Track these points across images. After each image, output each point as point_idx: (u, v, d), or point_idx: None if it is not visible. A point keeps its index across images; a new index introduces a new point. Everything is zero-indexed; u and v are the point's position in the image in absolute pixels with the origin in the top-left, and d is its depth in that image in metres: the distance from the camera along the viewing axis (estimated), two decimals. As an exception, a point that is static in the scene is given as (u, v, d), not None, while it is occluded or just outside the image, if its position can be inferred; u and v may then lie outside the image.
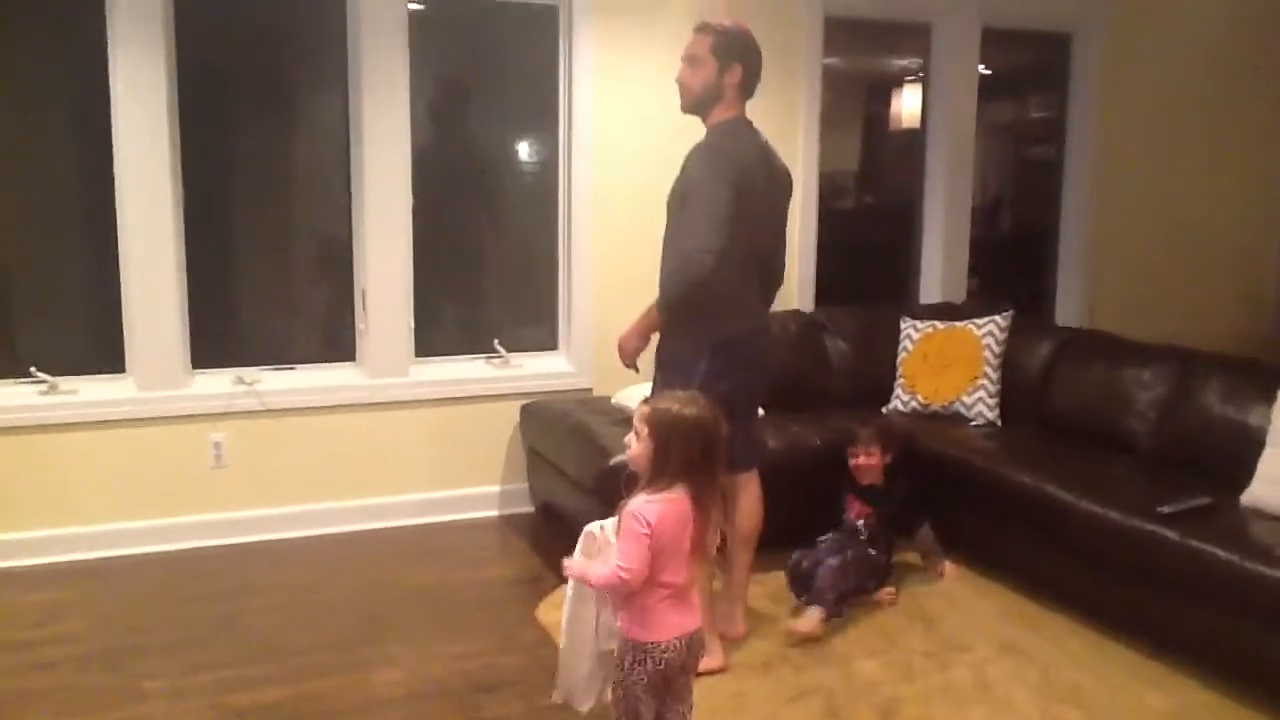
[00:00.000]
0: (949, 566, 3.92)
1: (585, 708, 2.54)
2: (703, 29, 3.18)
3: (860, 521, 3.75)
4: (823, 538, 3.71)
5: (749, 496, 3.28)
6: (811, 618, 3.38)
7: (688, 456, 2.29)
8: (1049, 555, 3.66)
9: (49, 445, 3.97)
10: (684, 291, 3.00)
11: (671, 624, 2.31)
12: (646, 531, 2.24)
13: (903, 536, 3.84)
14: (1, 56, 3.94)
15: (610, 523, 2.41)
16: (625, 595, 2.30)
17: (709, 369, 3.05)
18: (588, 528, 2.46)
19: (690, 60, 3.16)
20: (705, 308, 3.03)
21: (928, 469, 4.10)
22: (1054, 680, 3.13)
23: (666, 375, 3.11)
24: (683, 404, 2.35)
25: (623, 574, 2.24)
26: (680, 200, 3.06)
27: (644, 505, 2.27)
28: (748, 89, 3.18)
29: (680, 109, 3.22)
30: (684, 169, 3.09)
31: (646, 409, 2.37)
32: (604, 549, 2.39)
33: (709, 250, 2.95)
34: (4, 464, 3.92)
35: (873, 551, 3.67)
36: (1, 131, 3.96)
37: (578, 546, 2.45)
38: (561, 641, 2.56)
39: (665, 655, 2.29)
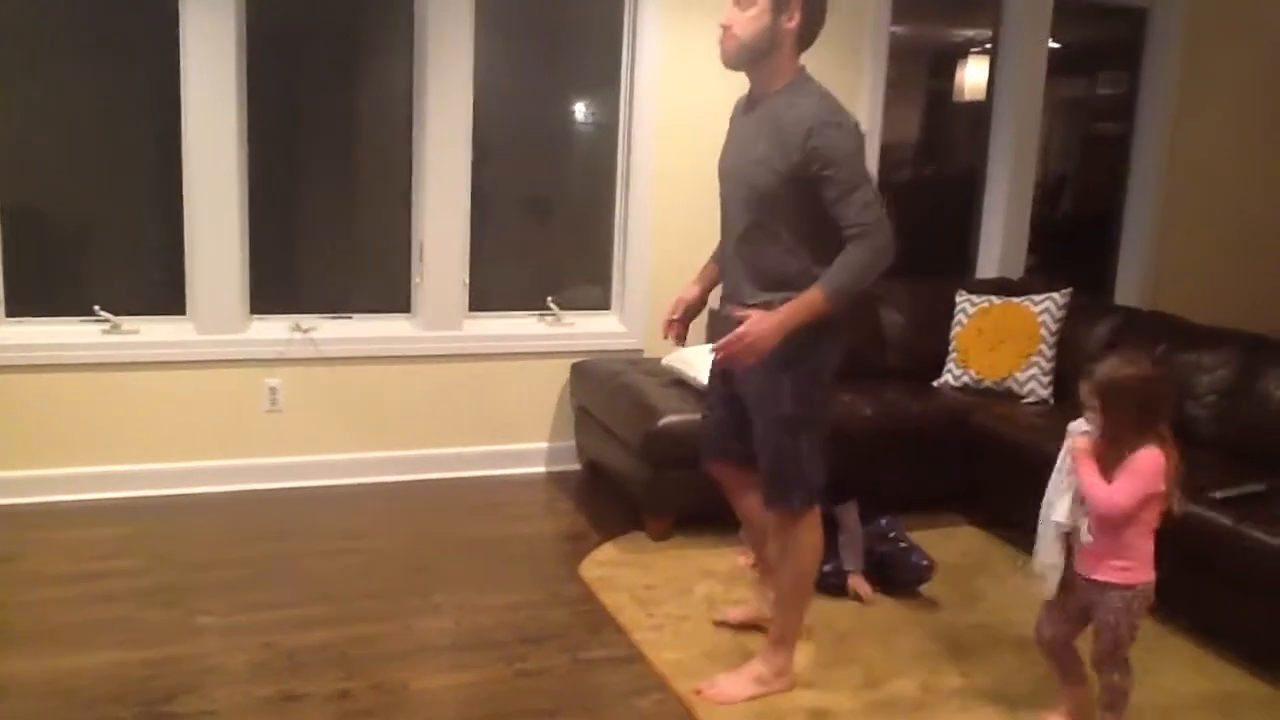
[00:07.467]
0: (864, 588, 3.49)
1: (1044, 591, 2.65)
2: None
3: None
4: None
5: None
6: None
7: (1130, 415, 2.46)
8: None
9: (110, 383, 4.06)
10: (875, 266, 2.61)
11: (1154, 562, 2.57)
12: (1146, 484, 2.45)
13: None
14: (75, 10, 3.99)
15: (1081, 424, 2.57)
16: (1113, 529, 2.49)
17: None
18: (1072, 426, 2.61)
19: (737, 2, 2.67)
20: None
21: (978, 445, 4.07)
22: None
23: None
24: (1118, 366, 2.53)
25: (1114, 501, 2.46)
26: (816, 175, 2.58)
27: (1157, 458, 2.46)
28: (805, 39, 2.70)
29: (722, 62, 2.72)
30: (813, 141, 2.56)
31: (1089, 383, 2.53)
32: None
33: (885, 219, 2.59)
34: (67, 400, 4.01)
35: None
36: (75, 82, 4.02)
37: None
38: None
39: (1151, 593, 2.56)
